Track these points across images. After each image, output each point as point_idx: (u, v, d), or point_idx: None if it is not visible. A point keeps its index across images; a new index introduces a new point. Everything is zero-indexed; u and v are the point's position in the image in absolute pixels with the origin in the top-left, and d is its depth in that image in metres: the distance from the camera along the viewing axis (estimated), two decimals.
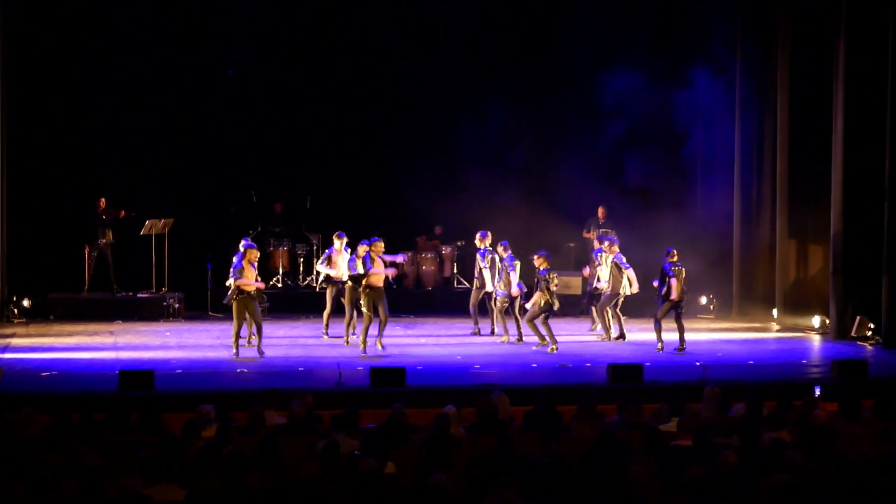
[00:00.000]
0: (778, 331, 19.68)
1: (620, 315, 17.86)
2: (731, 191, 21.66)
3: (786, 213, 20.38)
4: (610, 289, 17.56)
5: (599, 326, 18.04)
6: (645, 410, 10.94)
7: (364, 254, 16.30)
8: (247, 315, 15.77)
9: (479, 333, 18.25)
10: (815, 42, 19.45)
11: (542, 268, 16.52)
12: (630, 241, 19.48)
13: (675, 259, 16.58)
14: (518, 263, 17.13)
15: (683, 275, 16.55)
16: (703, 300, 21.50)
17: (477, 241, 18.12)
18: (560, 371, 15.08)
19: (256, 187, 22.30)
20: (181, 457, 8.69)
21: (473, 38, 22.44)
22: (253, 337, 16.19)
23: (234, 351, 15.71)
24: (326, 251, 17.58)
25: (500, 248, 17.37)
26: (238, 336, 15.78)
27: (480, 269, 17.99)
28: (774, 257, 20.77)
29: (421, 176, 22.48)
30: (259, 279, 16.02)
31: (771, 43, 20.62)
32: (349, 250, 17.22)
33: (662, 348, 16.55)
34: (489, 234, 18.02)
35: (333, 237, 17.59)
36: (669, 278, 16.41)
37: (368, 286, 16.17)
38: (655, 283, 16.74)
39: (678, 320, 16.68)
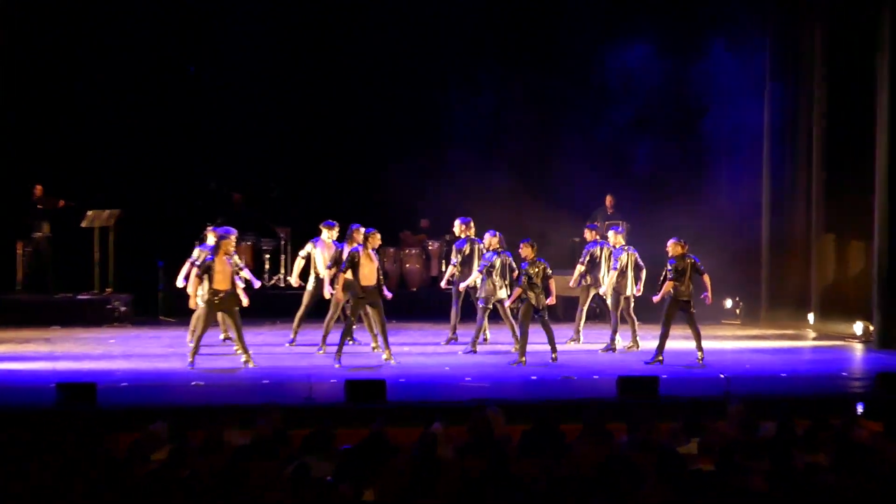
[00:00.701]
0: (814, 339, 19.76)
1: (635, 319, 17.78)
2: (757, 178, 21.68)
3: (823, 203, 20.43)
4: (613, 289, 17.52)
5: (623, 335, 17.89)
6: (660, 429, 10.92)
7: (353, 247, 16.13)
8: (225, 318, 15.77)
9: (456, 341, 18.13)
10: (857, 9, 19.44)
11: (525, 259, 16.40)
12: (639, 235, 19.45)
13: (682, 252, 16.43)
14: (501, 260, 17.00)
15: (688, 269, 16.36)
16: (729, 304, 21.51)
17: (456, 229, 18.14)
18: (563, 384, 15.07)
19: (216, 175, 22.26)
20: (127, 484, 8.63)
21: (462, 8, 22.40)
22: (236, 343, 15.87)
23: (190, 360, 15.61)
24: (336, 247, 17.08)
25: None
26: (199, 343, 15.67)
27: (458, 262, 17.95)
28: (810, 255, 20.82)
29: (405, 162, 22.40)
30: (244, 273, 16.04)
31: (806, 9, 20.62)
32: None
33: (663, 360, 16.40)
34: (470, 221, 18.05)
35: (321, 226, 17.48)
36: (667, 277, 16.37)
37: (361, 287, 15.97)
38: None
39: (691, 324, 16.58)
